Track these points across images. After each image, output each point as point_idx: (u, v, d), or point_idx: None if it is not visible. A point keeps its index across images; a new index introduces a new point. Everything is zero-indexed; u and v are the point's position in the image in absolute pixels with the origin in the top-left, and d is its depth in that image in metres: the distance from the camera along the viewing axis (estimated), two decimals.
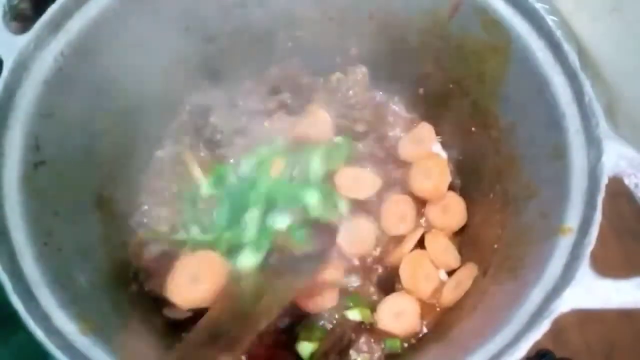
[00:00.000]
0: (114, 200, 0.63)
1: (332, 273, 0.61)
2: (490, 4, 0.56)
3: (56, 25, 0.53)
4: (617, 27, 0.82)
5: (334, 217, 0.63)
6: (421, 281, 0.64)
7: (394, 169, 0.71)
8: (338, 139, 0.70)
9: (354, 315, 0.62)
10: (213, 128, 0.70)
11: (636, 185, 0.46)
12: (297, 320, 0.62)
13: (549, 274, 0.45)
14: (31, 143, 0.50)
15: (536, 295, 0.44)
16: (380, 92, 0.76)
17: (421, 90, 0.73)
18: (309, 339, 0.60)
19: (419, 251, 0.65)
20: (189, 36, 0.66)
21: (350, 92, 0.70)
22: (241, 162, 0.67)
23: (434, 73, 0.69)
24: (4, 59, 0.50)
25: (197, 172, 0.68)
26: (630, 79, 0.83)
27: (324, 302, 0.62)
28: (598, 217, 0.45)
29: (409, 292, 0.64)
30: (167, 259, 0.62)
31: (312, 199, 0.63)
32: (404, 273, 0.64)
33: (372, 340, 0.62)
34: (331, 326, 0.62)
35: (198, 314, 0.53)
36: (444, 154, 0.73)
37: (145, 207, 0.68)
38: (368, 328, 0.63)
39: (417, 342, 0.63)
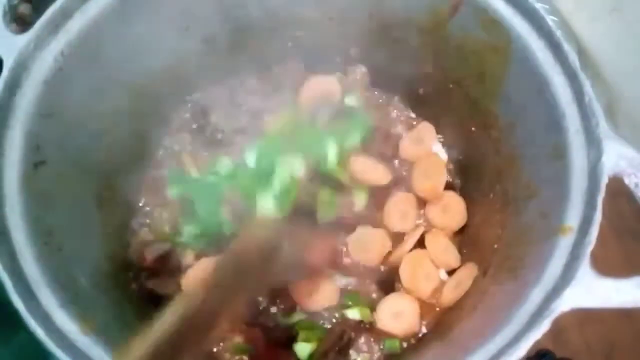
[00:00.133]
0: (114, 200, 0.63)
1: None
2: (490, 4, 0.56)
3: (56, 25, 0.53)
4: (617, 27, 0.82)
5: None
6: (421, 281, 0.64)
7: (400, 167, 0.71)
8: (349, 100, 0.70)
9: (353, 314, 0.62)
10: (214, 128, 0.70)
11: (636, 185, 0.46)
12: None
13: (549, 274, 0.45)
14: (31, 143, 0.50)
15: (536, 295, 0.44)
16: (380, 92, 0.76)
17: (421, 90, 0.73)
18: (307, 340, 0.60)
19: (419, 251, 0.66)
20: (189, 36, 0.66)
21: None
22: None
23: (434, 73, 0.69)
24: (4, 59, 0.50)
25: (194, 173, 0.67)
26: (630, 79, 0.83)
27: (324, 301, 0.62)
28: (598, 216, 0.45)
29: (409, 291, 0.64)
30: (169, 259, 0.62)
31: (332, 150, 0.62)
32: (404, 272, 0.64)
33: (372, 339, 0.63)
34: (331, 325, 0.62)
35: None
36: (444, 154, 0.73)
37: (147, 208, 0.68)
38: (368, 327, 0.63)
39: (417, 342, 0.63)
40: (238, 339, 0.60)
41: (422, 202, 0.69)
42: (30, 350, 0.44)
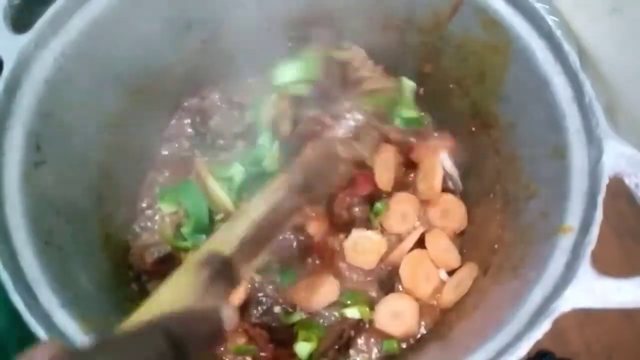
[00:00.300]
0: (115, 200, 0.63)
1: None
2: (490, 4, 0.56)
3: (57, 25, 0.53)
4: (617, 27, 0.82)
5: None
6: (421, 281, 0.64)
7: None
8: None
9: (352, 313, 0.62)
10: (214, 132, 0.70)
11: (636, 185, 0.46)
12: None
13: (549, 274, 0.45)
14: (31, 143, 0.50)
15: (537, 295, 0.44)
16: None
17: (421, 90, 0.73)
18: (307, 339, 0.60)
19: (419, 251, 0.65)
20: (189, 36, 0.66)
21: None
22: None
23: (434, 73, 0.69)
24: (4, 59, 0.50)
25: (212, 182, 0.64)
26: (630, 79, 0.83)
27: (324, 298, 0.62)
28: (599, 216, 0.45)
29: (409, 291, 0.64)
30: (169, 262, 0.62)
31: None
32: (404, 273, 0.64)
33: (372, 339, 0.63)
34: (330, 324, 0.62)
35: None
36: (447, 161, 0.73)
37: (148, 211, 0.67)
38: (367, 327, 0.63)
39: (417, 343, 0.63)
40: (241, 340, 0.60)
41: (422, 205, 0.69)
42: None
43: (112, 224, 0.62)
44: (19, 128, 0.50)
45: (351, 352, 0.62)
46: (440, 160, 0.68)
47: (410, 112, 0.69)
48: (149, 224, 0.66)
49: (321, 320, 0.62)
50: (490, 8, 0.56)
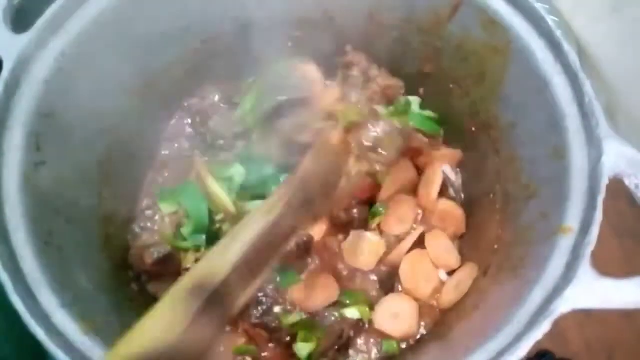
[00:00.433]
0: (115, 200, 0.63)
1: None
2: (490, 4, 0.56)
3: (57, 25, 0.53)
4: (617, 27, 0.82)
5: None
6: (421, 281, 0.64)
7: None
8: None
9: (352, 313, 0.62)
10: (214, 132, 0.70)
11: (636, 186, 0.46)
12: None
13: (549, 274, 0.45)
14: (31, 143, 0.50)
15: (537, 295, 0.44)
16: None
17: (421, 90, 0.73)
18: (306, 339, 0.60)
19: (419, 251, 0.65)
20: (189, 36, 0.66)
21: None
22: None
23: (434, 73, 0.69)
24: (4, 59, 0.50)
25: (212, 182, 0.64)
26: (630, 79, 0.83)
27: (324, 299, 0.62)
28: (599, 216, 0.44)
29: (408, 292, 0.64)
30: (169, 263, 0.62)
31: None
32: (404, 273, 0.64)
33: (372, 339, 0.63)
34: (330, 324, 0.62)
35: None
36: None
37: (148, 211, 0.67)
38: (367, 327, 0.63)
39: (417, 343, 0.63)
40: (241, 340, 0.60)
41: (421, 207, 0.69)
42: None
43: (112, 224, 0.62)
44: (18, 128, 0.50)
45: (351, 352, 0.62)
46: (442, 170, 0.68)
47: (426, 111, 0.70)
48: (149, 224, 0.66)
49: (321, 321, 0.62)
50: (490, 8, 0.56)
